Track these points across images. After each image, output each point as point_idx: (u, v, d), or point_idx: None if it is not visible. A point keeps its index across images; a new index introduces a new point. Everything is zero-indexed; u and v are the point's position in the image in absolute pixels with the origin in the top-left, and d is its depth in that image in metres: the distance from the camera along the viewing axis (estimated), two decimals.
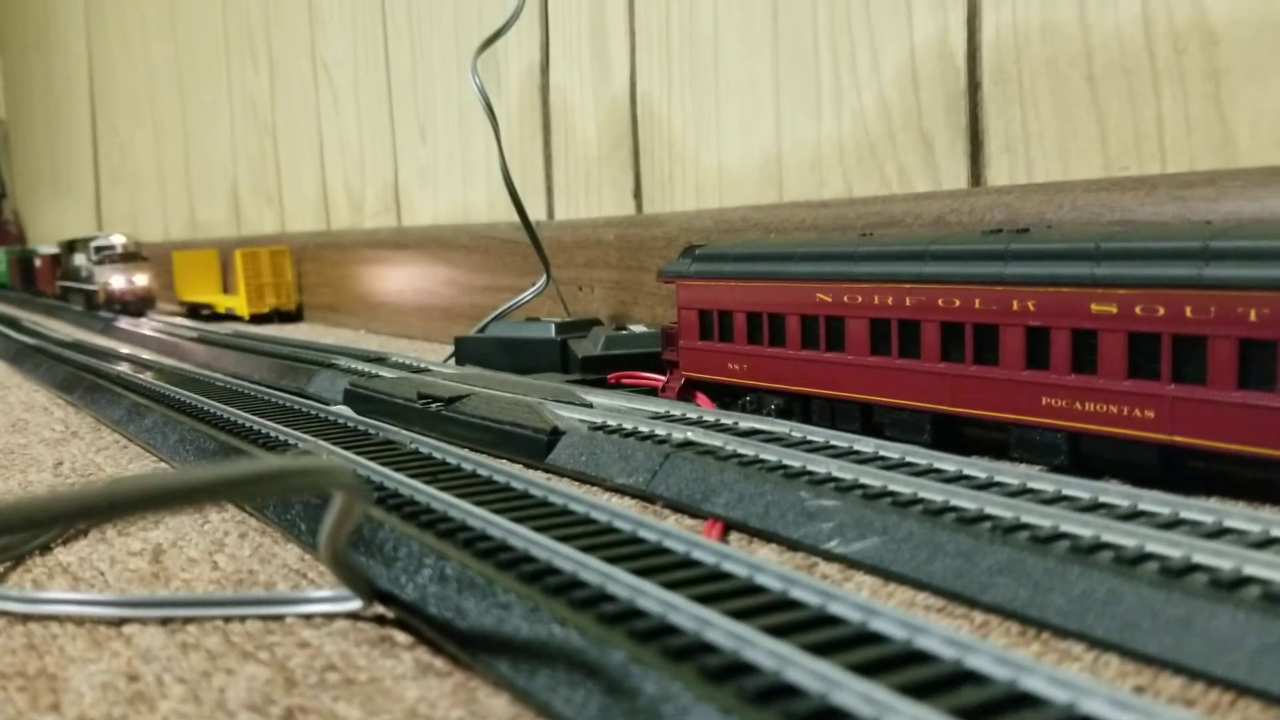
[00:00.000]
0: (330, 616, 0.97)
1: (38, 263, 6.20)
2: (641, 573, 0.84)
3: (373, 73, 3.80)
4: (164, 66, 5.95)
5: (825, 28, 2.08)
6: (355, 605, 0.97)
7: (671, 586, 0.80)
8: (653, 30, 2.51)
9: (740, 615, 0.74)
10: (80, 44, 7.31)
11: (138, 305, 4.44)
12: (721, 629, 0.72)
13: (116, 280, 4.41)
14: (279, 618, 0.97)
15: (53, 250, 5.90)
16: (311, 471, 0.73)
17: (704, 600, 0.77)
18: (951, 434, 1.41)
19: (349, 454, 1.35)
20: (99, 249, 4.50)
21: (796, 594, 0.80)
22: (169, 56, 5.86)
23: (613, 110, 2.67)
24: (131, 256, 4.51)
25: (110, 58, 6.83)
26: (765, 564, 0.85)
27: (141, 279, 4.48)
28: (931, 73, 1.89)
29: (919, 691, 0.64)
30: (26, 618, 1.00)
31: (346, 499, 0.78)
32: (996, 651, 0.67)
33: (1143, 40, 1.58)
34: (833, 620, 0.76)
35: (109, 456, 1.75)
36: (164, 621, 0.97)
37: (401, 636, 0.92)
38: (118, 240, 4.58)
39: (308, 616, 0.97)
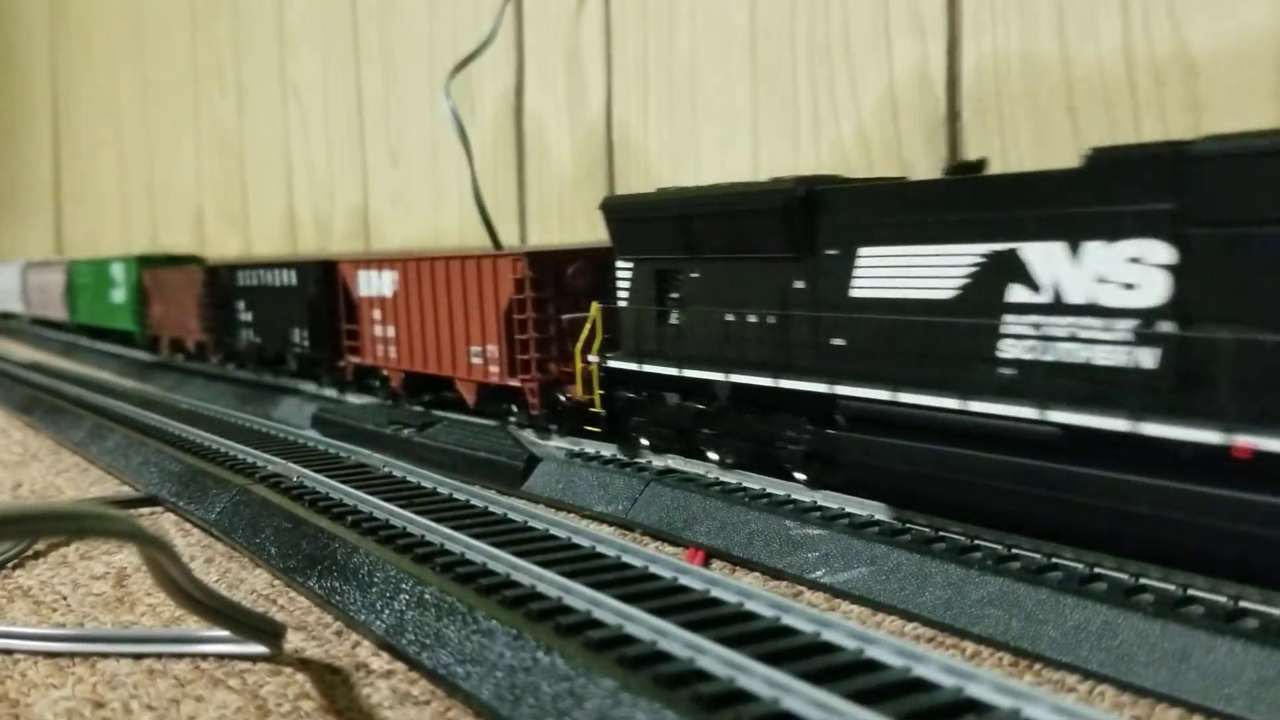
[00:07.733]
0: (234, 658, 0.90)
1: (392, 275, 2.09)
2: (629, 599, 0.82)
3: (343, 96, 3.77)
4: (130, 88, 5.89)
5: (804, 55, 2.07)
6: (259, 649, 0.90)
7: (661, 613, 0.78)
8: (629, 56, 2.51)
9: (733, 642, 0.72)
10: (44, 66, 7.23)
11: None
12: (715, 656, 0.70)
13: None
14: (182, 656, 0.91)
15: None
16: (80, 517, 0.69)
17: (695, 627, 0.75)
18: None
19: (321, 476, 1.32)
20: None
21: (789, 621, 0.78)
22: (135, 78, 5.81)
23: (588, 136, 2.66)
24: None
25: (74, 79, 6.76)
26: (755, 591, 0.83)
27: None
28: (911, 102, 1.89)
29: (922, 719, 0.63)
30: None
31: (143, 551, 0.74)
32: (997, 680, 0.65)
33: (1124, 72, 1.58)
34: (828, 648, 0.74)
35: (70, 479, 1.71)
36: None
37: (377, 663, 0.89)
38: None
39: (219, 657, 0.90)
